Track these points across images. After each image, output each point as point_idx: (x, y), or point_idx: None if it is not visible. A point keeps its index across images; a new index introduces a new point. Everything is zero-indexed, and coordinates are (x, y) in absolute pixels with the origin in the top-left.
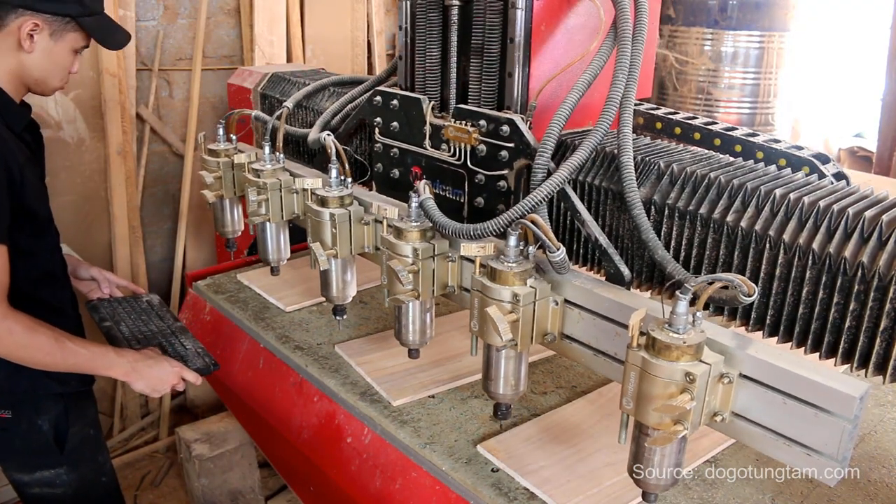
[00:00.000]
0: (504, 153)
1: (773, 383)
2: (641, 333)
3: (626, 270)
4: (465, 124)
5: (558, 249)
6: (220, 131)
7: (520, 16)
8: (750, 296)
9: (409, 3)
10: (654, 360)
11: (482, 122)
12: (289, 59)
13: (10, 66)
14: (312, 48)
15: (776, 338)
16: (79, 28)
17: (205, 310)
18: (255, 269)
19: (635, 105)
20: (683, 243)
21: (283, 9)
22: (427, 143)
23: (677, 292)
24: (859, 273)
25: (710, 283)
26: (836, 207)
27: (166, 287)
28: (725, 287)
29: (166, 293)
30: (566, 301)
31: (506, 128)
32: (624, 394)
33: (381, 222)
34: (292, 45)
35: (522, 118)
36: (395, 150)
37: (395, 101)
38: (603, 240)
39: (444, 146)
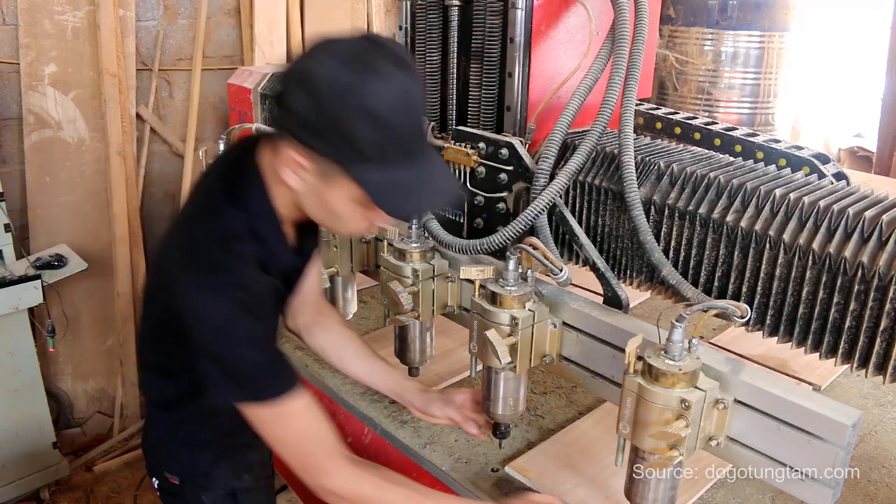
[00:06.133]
0: (503, 176)
1: (767, 409)
2: (638, 359)
3: (623, 294)
4: (465, 146)
5: (561, 271)
6: (221, 146)
7: (520, 16)
8: (743, 317)
9: (409, 3)
10: (651, 386)
11: (481, 145)
12: (289, 60)
13: (284, 194)
14: None
15: (776, 337)
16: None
17: None
18: None
19: (635, 105)
20: (683, 243)
21: (283, 9)
22: None
23: (673, 320)
24: (859, 273)
25: (705, 311)
26: (836, 207)
27: None
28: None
29: None
30: (564, 324)
31: (505, 151)
32: (621, 418)
33: (381, 241)
34: (292, 46)
35: (521, 141)
36: None
37: None
38: (601, 263)
39: None
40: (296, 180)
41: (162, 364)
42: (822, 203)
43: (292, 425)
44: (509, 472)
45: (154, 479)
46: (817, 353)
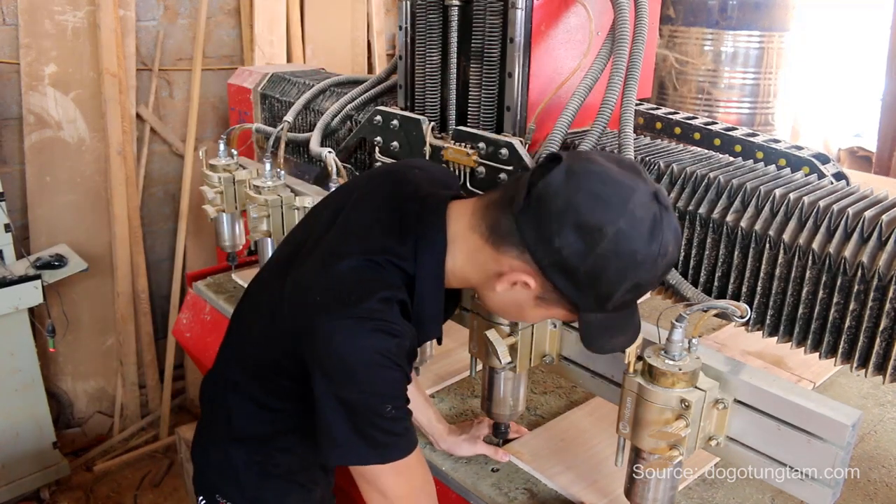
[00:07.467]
0: (503, 176)
1: (767, 409)
2: (638, 359)
3: None
4: (465, 146)
5: None
6: (221, 146)
7: (519, 16)
8: (743, 317)
9: (409, 3)
10: (651, 386)
11: (481, 145)
12: (289, 59)
13: (469, 275)
14: (312, 48)
15: (776, 337)
16: (575, 312)
17: (205, 310)
18: (253, 269)
19: (635, 105)
20: (683, 243)
21: (283, 9)
22: None
23: (673, 320)
24: (859, 273)
25: (705, 311)
26: (835, 207)
27: (166, 287)
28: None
29: (166, 293)
30: (564, 323)
31: (504, 151)
32: (621, 418)
33: None
34: (292, 46)
35: (521, 141)
36: None
37: (395, 122)
38: None
39: (443, 167)
40: (505, 289)
41: (264, 399)
42: (821, 203)
43: (406, 479)
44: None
45: (201, 497)
46: (817, 353)
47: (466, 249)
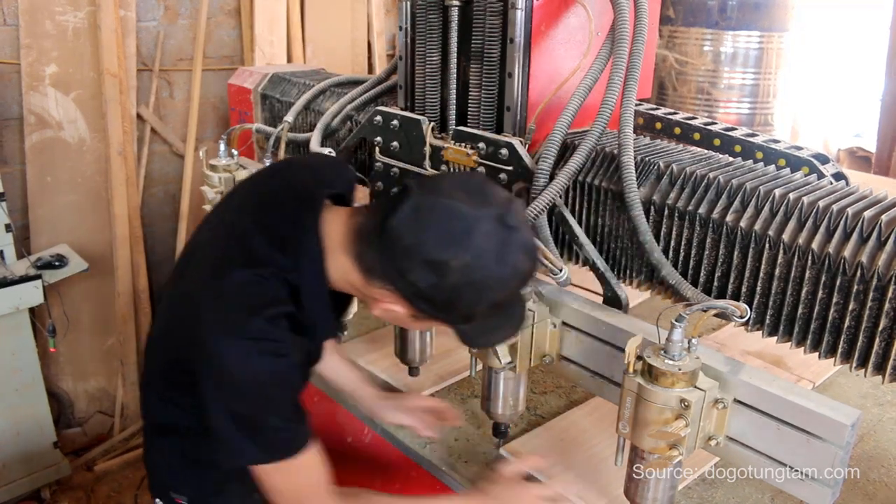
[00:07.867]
0: (503, 176)
1: (767, 409)
2: (638, 359)
3: (623, 294)
4: (465, 146)
5: (561, 271)
6: (222, 146)
7: (519, 16)
8: (743, 317)
9: (409, 3)
10: (650, 385)
11: (481, 145)
12: (289, 60)
13: (350, 290)
14: (312, 48)
15: (776, 337)
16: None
17: None
18: None
19: (635, 105)
20: (683, 243)
21: (283, 9)
22: (427, 163)
23: (672, 320)
24: (858, 273)
25: (705, 311)
26: (835, 207)
27: None
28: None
29: None
30: (564, 323)
31: (504, 151)
32: (620, 418)
33: None
34: (292, 46)
35: (521, 141)
36: (395, 169)
37: (395, 122)
38: (601, 263)
39: (443, 167)
40: (382, 311)
41: (170, 394)
42: (821, 203)
43: (294, 479)
44: (503, 454)
45: (157, 500)
46: (816, 353)
47: (342, 269)
